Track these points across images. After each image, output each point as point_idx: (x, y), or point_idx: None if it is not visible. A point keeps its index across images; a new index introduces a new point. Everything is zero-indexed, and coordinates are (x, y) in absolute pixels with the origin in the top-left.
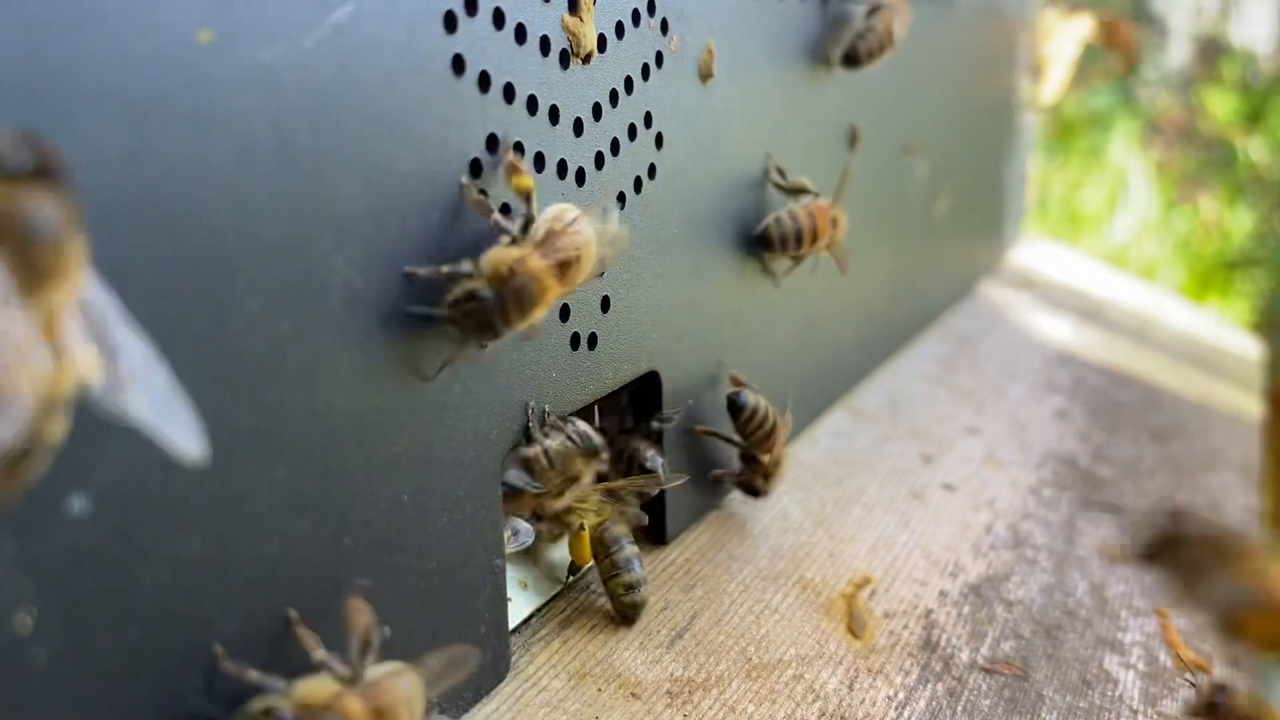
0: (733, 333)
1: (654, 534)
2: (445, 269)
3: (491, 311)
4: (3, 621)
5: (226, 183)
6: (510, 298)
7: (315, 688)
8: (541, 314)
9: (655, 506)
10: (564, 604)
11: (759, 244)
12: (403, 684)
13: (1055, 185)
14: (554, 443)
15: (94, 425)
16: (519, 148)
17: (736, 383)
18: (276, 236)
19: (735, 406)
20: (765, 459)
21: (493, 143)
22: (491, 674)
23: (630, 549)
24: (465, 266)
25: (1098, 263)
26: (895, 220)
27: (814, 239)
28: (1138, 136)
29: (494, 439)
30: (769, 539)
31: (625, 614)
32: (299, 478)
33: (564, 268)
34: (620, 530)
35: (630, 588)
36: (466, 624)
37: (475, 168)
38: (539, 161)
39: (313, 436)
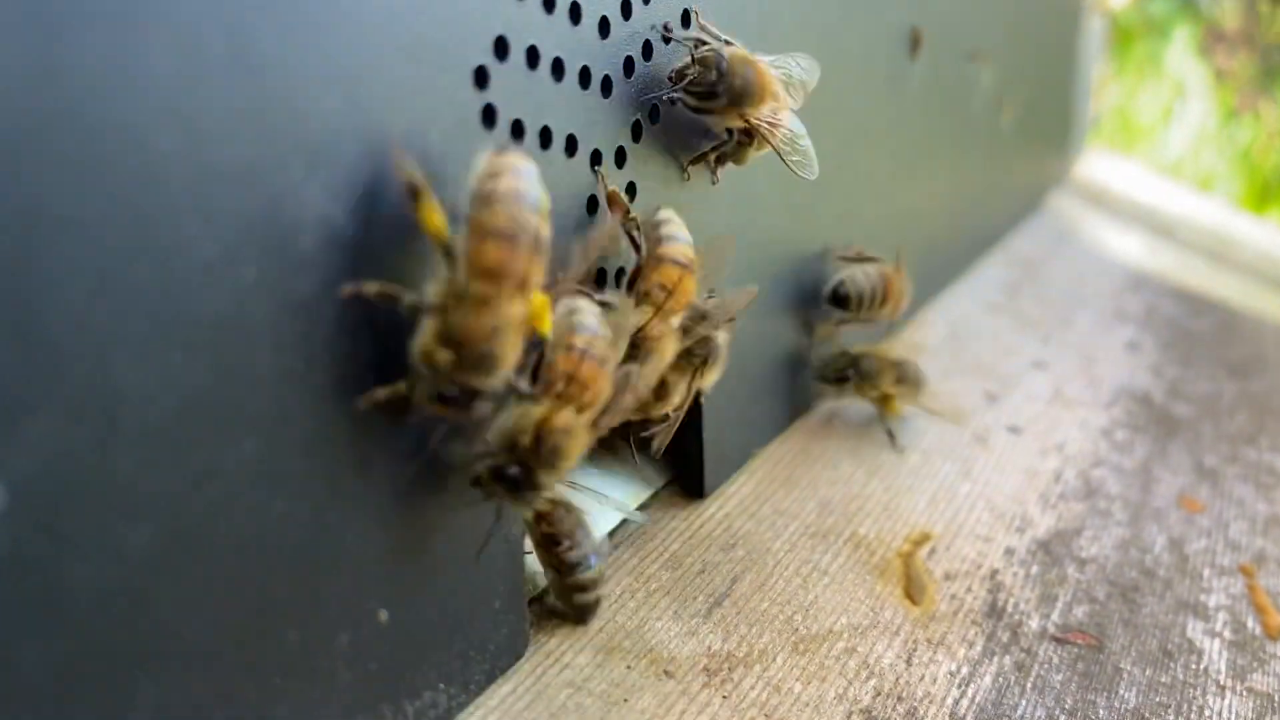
0: (780, 263)
1: (690, 487)
2: None
3: None
4: None
5: (170, 99)
6: None
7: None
8: None
9: (692, 457)
10: None
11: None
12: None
13: (1110, 94)
14: None
15: (5, 401)
16: (533, 54)
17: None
18: (235, 164)
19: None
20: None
21: (501, 44)
22: (508, 651)
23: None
24: None
25: (1158, 176)
26: (958, 133)
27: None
28: (1197, 43)
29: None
30: (817, 490)
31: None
32: (274, 450)
33: None
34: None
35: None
36: (478, 600)
37: (480, 76)
38: (557, 68)
39: (290, 402)
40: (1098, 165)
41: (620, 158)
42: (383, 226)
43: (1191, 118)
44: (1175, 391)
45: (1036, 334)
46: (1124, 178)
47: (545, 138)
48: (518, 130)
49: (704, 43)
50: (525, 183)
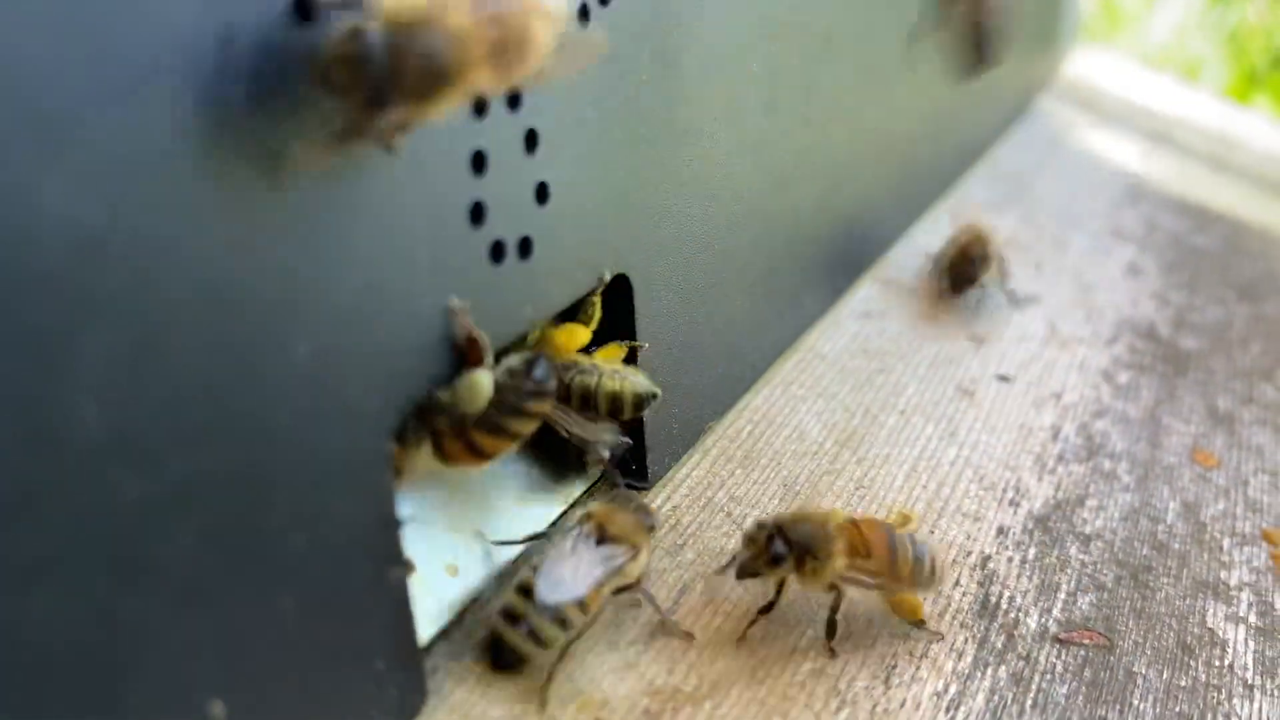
0: (733, 203)
1: (632, 474)
2: None
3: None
4: None
5: None
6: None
7: None
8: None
9: (632, 438)
10: None
11: None
12: None
13: None
14: None
15: None
16: None
17: None
18: None
19: None
20: None
21: None
22: (398, 715)
23: None
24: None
25: (1140, 64)
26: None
27: None
28: None
29: (372, 410)
30: (781, 468)
31: None
32: (18, 542)
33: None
34: None
35: None
36: (353, 664)
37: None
38: None
39: (37, 476)
40: (1086, 62)
41: (514, 100)
42: (162, 220)
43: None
44: (1182, 321)
45: (1027, 261)
46: (1114, 75)
47: None
48: None
49: None
50: None
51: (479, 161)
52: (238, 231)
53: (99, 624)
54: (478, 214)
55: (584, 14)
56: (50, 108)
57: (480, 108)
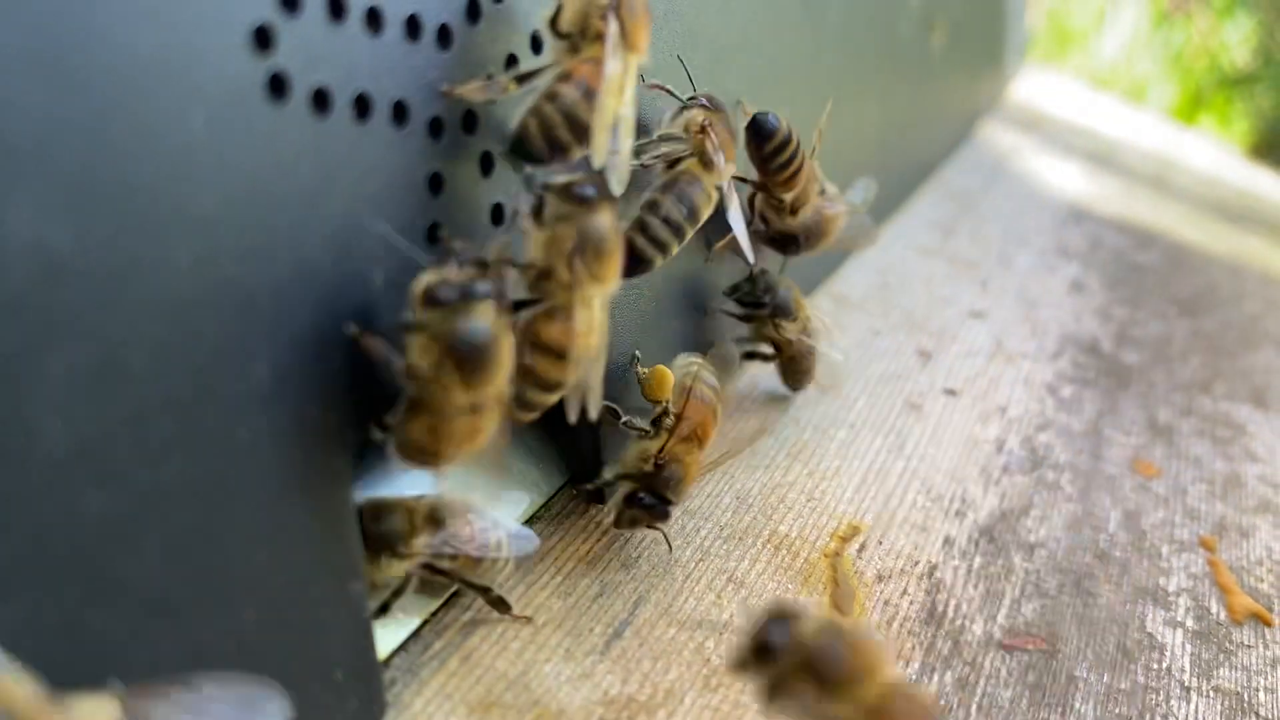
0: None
1: (591, 491)
2: None
3: None
4: None
5: None
6: None
7: None
8: None
9: (586, 451)
10: (468, 602)
11: None
12: None
13: (1044, 1)
14: None
15: None
16: (337, 2)
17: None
18: None
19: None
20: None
21: None
22: None
23: None
24: None
25: (1088, 84)
26: (884, 59)
27: None
28: None
29: (330, 428)
30: (734, 481)
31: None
32: None
33: None
34: None
35: None
36: (313, 675)
37: (262, 37)
38: (373, 19)
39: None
40: (1031, 84)
41: (469, 123)
42: (127, 245)
43: (1124, 21)
44: (1124, 336)
45: (974, 278)
46: (1059, 97)
47: (362, 106)
48: (321, 101)
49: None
50: None
51: (436, 183)
52: (198, 254)
53: (65, 636)
54: (434, 235)
55: (511, 66)
56: (15, 135)
57: (437, 131)
